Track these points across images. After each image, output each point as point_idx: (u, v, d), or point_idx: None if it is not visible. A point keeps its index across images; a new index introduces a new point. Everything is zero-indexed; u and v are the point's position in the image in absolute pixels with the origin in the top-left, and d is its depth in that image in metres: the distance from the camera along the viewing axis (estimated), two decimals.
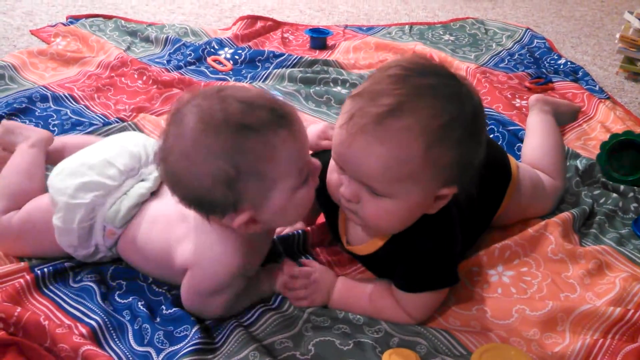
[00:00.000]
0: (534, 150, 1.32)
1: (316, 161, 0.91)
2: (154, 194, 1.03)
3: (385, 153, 0.81)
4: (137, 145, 1.06)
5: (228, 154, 0.80)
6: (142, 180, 1.03)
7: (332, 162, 0.91)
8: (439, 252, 0.94)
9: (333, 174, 0.91)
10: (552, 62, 2.07)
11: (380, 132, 0.80)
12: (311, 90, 1.73)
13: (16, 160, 1.12)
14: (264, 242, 0.99)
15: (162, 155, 0.85)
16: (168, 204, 0.97)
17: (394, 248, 0.95)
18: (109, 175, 1.00)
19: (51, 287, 1.02)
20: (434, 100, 0.81)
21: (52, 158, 1.14)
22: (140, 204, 1.01)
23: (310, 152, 0.96)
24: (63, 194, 0.99)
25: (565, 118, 1.56)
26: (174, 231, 0.96)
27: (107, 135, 1.42)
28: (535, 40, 2.24)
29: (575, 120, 1.63)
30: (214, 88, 0.85)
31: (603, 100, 1.76)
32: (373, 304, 0.99)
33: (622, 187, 1.34)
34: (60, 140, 1.21)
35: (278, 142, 0.82)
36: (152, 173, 1.03)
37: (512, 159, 1.17)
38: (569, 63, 2.04)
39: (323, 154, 0.96)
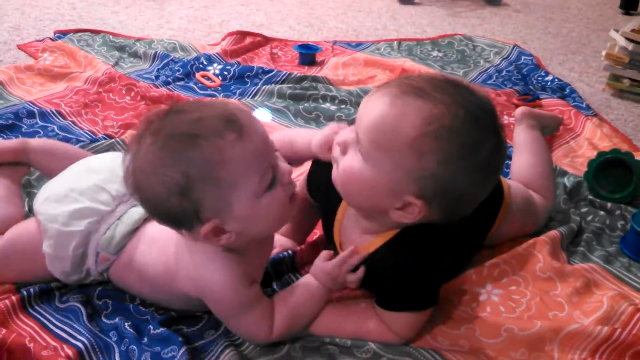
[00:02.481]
0: (526, 170, 1.30)
1: (285, 166, 0.90)
2: (147, 218, 1.01)
3: (386, 114, 0.83)
4: None
5: (176, 162, 0.81)
6: (135, 206, 1.01)
7: None
8: (422, 272, 0.93)
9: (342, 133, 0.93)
10: (539, 78, 2.09)
11: (399, 99, 0.84)
12: (300, 107, 1.73)
13: None
14: (257, 251, 0.96)
15: (126, 176, 0.87)
16: (162, 226, 0.96)
17: (384, 259, 0.94)
18: (101, 201, 1.00)
19: (37, 307, 1.01)
20: (458, 106, 0.83)
21: (38, 160, 1.13)
22: (134, 230, 1.00)
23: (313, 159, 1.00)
24: (55, 221, 0.98)
25: (549, 130, 1.56)
26: (169, 253, 0.95)
27: (95, 152, 1.41)
28: (523, 57, 2.26)
29: (558, 130, 1.63)
30: (169, 106, 0.88)
31: (590, 117, 1.77)
32: (358, 327, 0.98)
33: (609, 204, 1.35)
34: (47, 143, 1.21)
35: (227, 146, 0.82)
36: None
37: (503, 180, 1.17)
38: (556, 80, 2.06)
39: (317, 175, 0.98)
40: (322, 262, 0.97)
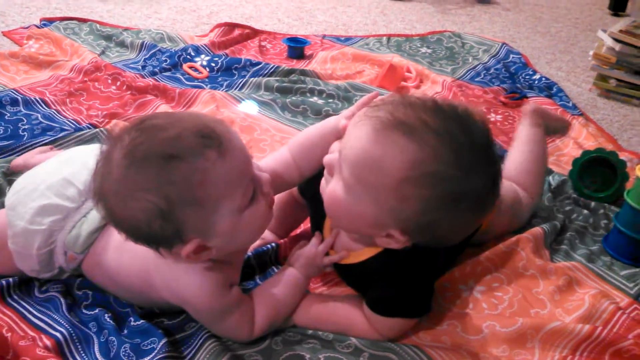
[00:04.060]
0: (516, 166, 1.30)
1: (263, 175, 0.88)
2: None
3: (370, 151, 0.79)
4: None
5: (156, 186, 0.76)
6: None
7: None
8: (415, 281, 0.93)
9: (336, 144, 0.91)
10: (527, 77, 2.10)
11: (383, 133, 0.79)
12: (287, 100, 1.72)
13: None
14: (234, 256, 0.94)
15: (96, 197, 0.81)
16: None
17: (377, 267, 0.94)
18: (67, 196, 0.96)
19: (16, 297, 0.99)
20: (446, 151, 0.77)
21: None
22: (102, 227, 0.97)
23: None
24: (21, 219, 0.95)
25: (555, 132, 1.53)
26: (142, 261, 0.91)
27: (78, 141, 1.40)
28: (511, 55, 2.26)
29: (565, 134, 1.61)
30: (137, 120, 0.82)
31: (576, 117, 1.78)
32: (342, 320, 0.98)
33: (592, 203, 1.36)
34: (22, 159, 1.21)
35: (208, 165, 0.78)
36: None
37: None
38: (543, 79, 2.07)
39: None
40: (299, 249, 0.98)
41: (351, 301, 1.00)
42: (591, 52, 2.09)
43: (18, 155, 1.33)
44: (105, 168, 0.79)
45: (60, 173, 0.98)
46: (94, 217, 0.96)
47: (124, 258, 0.94)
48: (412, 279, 0.93)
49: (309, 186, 1.00)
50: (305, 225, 1.19)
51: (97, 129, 1.46)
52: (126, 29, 2.19)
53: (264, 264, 1.10)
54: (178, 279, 0.87)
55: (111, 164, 0.78)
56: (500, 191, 1.13)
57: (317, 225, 1.04)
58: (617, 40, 1.98)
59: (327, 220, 1.02)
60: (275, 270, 1.10)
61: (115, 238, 0.95)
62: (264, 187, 0.87)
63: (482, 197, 0.81)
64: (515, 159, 1.33)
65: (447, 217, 0.81)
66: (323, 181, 0.91)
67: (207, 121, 0.81)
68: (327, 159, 0.88)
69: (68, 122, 1.52)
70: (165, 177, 0.76)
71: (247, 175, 0.84)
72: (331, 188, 0.86)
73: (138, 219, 0.78)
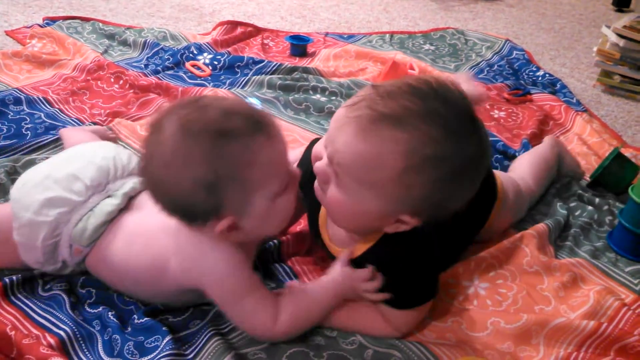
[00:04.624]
0: (522, 161, 1.34)
1: (295, 169, 0.92)
2: (122, 210, 1.00)
3: (364, 151, 0.79)
4: (105, 158, 1.03)
5: (207, 159, 0.81)
6: (109, 197, 1.00)
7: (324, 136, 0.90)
8: (422, 269, 0.94)
9: (318, 146, 0.91)
10: (530, 73, 2.09)
11: (371, 130, 0.79)
12: (290, 98, 1.72)
13: None
14: (250, 248, 0.98)
15: (143, 164, 0.86)
16: (146, 218, 0.96)
17: (370, 261, 0.94)
18: (74, 190, 0.97)
19: (19, 295, 0.99)
20: (436, 130, 0.78)
21: None
22: (109, 222, 0.98)
23: None
24: (27, 210, 0.96)
25: (566, 168, 1.44)
26: (159, 245, 0.93)
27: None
28: (515, 52, 2.25)
29: (579, 178, 1.45)
30: (192, 98, 0.87)
31: (580, 113, 1.77)
32: (360, 322, 0.97)
33: (597, 199, 1.35)
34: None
35: (256, 148, 0.82)
36: (120, 189, 1.01)
37: (496, 175, 1.17)
38: (547, 75, 2.06)
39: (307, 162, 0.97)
40: (350, 270, 0.95)
41: (363, 303, 0.98)
42: (595, 48, 2.08)
43: (21, 155, 1.33)
44: (157, 137, 0.83)
45: (66, 168, 1.00)
46: (101, 211, 0.98)
47: (134, 249, 0.95)
48: (413, 261, 0.93)
49: (304, 179, 0.99)
50: (304, 219, 1.19)
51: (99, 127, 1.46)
52: (129, 28, 2.18)
53: (265, 260, 1.10)
54: (205, 254, 0.90)
55: (164, 134, 0.82)
56: (503, 186, 1.14)
57: (313, 219, 1.04)
58: (621, 36, 1.97)
59: (321, 215, 1.02)
60: (278, 267, 1.10)
61: (123, 231, 0.97)
62: (295, 180, 0.91)
63: (477, 159, 0.83)
64: (521, 158, 1.36)
65: (452, 190, 0.83)
66: (318, 188, 0.91)
67: (255, 109, 0.88)
68: (318, 167, 0.87)
69: (71, 121, 1.52)
70: (217, 152, 0.81)
71: (286, 164, 0.89)
72: (331, 195, 0.86)
73: (184, 188, 0.82)
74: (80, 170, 0.99)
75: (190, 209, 0.85)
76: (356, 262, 0.96)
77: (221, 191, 0.82)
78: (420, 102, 0.79)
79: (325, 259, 1.09)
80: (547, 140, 1.47)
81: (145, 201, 0.97)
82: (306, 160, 1.03)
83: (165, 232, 0.92)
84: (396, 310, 0.95)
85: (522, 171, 1.31)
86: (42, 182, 0.98)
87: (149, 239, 0.95)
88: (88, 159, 1.02)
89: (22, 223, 0.96)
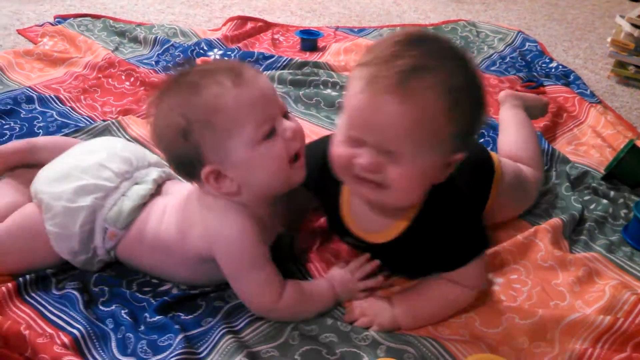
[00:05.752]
0: (511, 144, 1.32)
1: (291, 123, 0.92)
2: (154, 194, 1.04)
3: (412, 112, 0.80)
4: (124, 150, 1.08)
5: (179, 107, 0.88)
6: (137, 183, 1.03)
7: (337, 135, 0.88)
8: (468, 221, 0.96)
9: (340, 148, 0.87)
10: (543, 65, 2.07)
11: (406, 91, 0.79)
12: (301, 93, 1.72)
13: None
14: (268, 213, 0.97)
15: (150, 128, 0.94)
16: (174, 197, 1.01)
17: (416, 231, 0.94)
18: (104, 177, 1.01)
19: (33, 294, 1.00)
20: (450, 61, 0.83)
21: (46, 158, 1.11)
22: (142, 206, 1.01)
23: None
24: (60, 199, 0.98)
25: (535, 112, 1.51)
26: (183, 216, 0.98)
27: (90, 134, 1.41)
28: (527, 43, 2.23)
29: (544, 114, 1.58)
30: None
31: (594, 105, 1.75)
32: (437, 300, 0.99)
33: (612, 193, 1.34)
34: (53, 140, 1.25)
35: (224, 92, 0.87)
36: (148, 176, 1.04)
37: (493, 154, 1.18)
38: (560, 67, 2.04)
39: (315, 144, 0.98)
40: (342, 271, 1.03)
41: (431, 281, 1.00)
42: (609, 39, 2.06)
43: None
44: (153, 100, 0.93)
45: (91, 159, 1.04)
46: (135, 194, 1.02)
47: (164, 221, 1.00)
48: (460, 219, 0.95)
49: (313, 178, 0.98)
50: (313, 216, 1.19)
51: (108, 122, 1.47)
52: (139, 25, 2.19)
53: (277, 256, 1.09)
54: (217, 220, 0.93)
55: (156, 95, 0.93)
56: (501, 165, 1.16)
57: (334, 218, 1.03)
58: (635, 26, 1.95)
59: (344, 211, 1.00)
60: (291, 264, 1.09)
61: (155, 212, 1.01)
62: (286, 132, 0.91)
63: (479, 75, 0.87)
64: (509, 140, 1.35)
65: (478, 111, 0.87)
66: (367, 191, 0.87)
67: (240, 63, 0.94)
68: (365, 162, 0.84)
69: (83, 119, 1.53)
70: (187, 100, 0.89)
71: (264, 111, 0.90)
72: (394, 175, 0.84)
73: (167, 136, 0.90)
74: (106, 160, 1.03)
75: (179, 159, 0.92)
76: (396, 243, 0.96)
77: (195, 135, 0.88)
78: (418, 50, 0.82)
79: (338, 255, 1.09)
80: (506, 105, 1.45)
81: (172, 186, 1.06)
82: (315, 164, 0.98)
83: (190, 202, 0.98)
84: (461, 268, 0.95)
85: (522, 157, 1.28)
86: (70, 172, 1.01)
87: (177, 211, 0.99)
88: (109, 151, 1.06)
89: (56, 212, 0.98)
